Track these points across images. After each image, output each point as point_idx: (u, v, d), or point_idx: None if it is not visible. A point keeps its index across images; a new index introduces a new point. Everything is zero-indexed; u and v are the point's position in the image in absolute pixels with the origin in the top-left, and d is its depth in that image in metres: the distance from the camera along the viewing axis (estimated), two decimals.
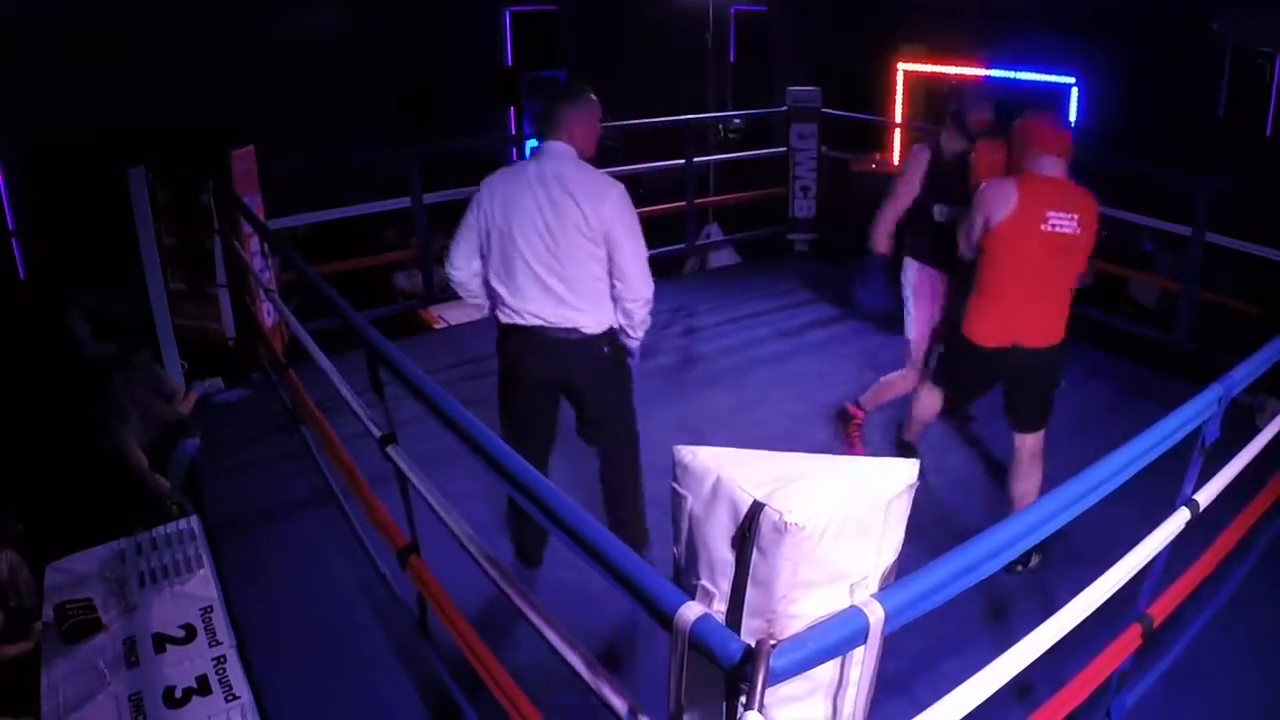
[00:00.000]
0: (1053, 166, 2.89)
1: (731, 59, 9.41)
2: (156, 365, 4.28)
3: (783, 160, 6.61)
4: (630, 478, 3.04)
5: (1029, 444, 3.13)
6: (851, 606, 1.20)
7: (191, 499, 3.68)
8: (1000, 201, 2.86)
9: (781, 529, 1.22)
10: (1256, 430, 2.31)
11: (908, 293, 3.82)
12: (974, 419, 4.19)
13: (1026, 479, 3.12)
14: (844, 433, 4.03)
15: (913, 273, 3.80)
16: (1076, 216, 2.85)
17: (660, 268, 6.15)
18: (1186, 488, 2.01)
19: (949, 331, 3.27)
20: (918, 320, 3.79)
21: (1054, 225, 2.83)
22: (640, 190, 6.25)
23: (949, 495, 3.60)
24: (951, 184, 3.50)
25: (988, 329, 3.02)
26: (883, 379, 3.90)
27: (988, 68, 7.63)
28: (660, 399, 4.32)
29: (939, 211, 3.61)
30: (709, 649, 1.14)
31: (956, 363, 3.21)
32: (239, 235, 4.35)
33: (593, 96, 2.83)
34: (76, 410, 3.94)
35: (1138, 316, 5.42)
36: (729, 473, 1.32)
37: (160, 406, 4.03)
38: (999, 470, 3.80)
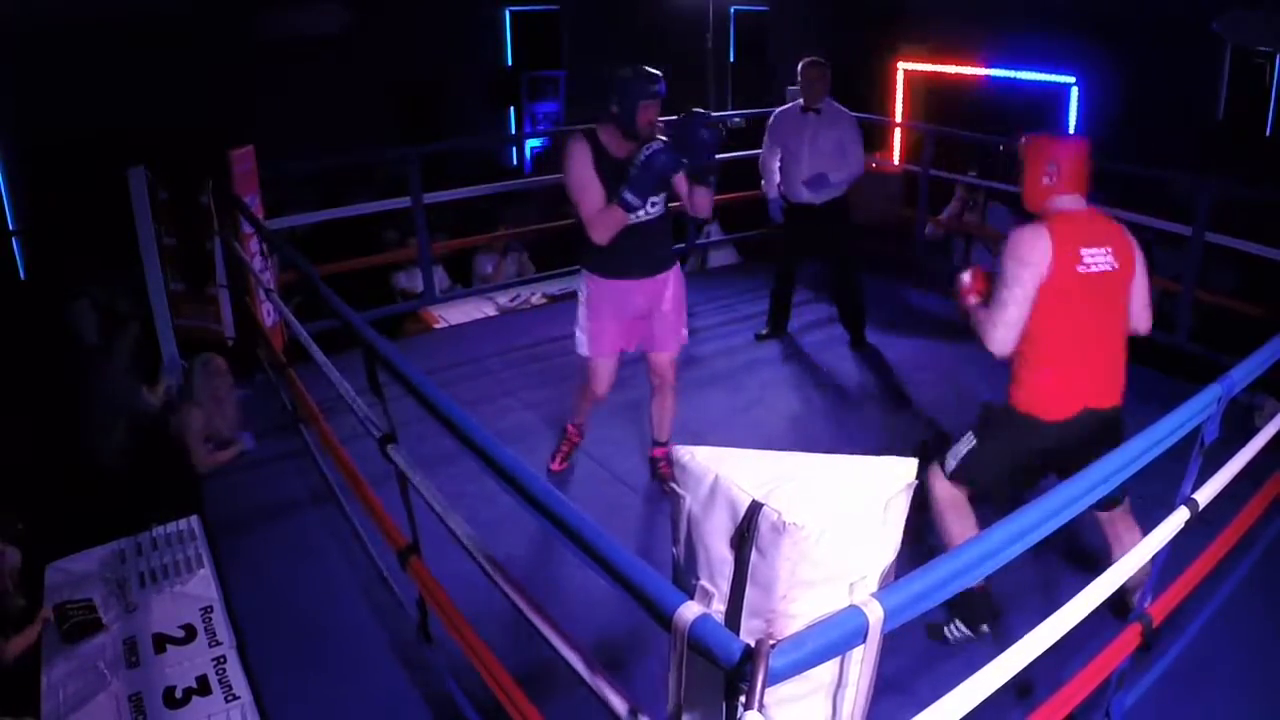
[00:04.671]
0: (1075, 203, 2.55)
1: (731, 59, 9.42)
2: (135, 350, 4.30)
3: None
4: (857, 275, 5.02)
5: (1118, 515, 2.73)
6: (851, 606, 1.19)
7: (192, 499, 3.67)
8: (1040, 252, 2.47)
9: (780, 529, 1.22)
10: (1255, 430, 2.31)
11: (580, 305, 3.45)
12: None
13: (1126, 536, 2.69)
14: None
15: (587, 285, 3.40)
16: (1110, 249, 2.51)
17: None
18: (1185, 487, 2.01)
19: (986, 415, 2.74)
20: (594, 337, 3.41)
21: (1089, 265, 2.48)
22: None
23: None
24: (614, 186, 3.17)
25: (1054, 398, 2.59)
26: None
27: (988, 68, 7.64)
28: None
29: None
30: (708, 649, 1.14)
31: (1006, 447, 2.68)
32: (239, 235, 4.35)
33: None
34: (76, 409, 3.94)
35: None
36: (727, 473, 1.32)
37: (133, 389, 4.05)
38: None
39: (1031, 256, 2.46)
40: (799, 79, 4.78)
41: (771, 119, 4.92)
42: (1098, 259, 2.49)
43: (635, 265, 3.34)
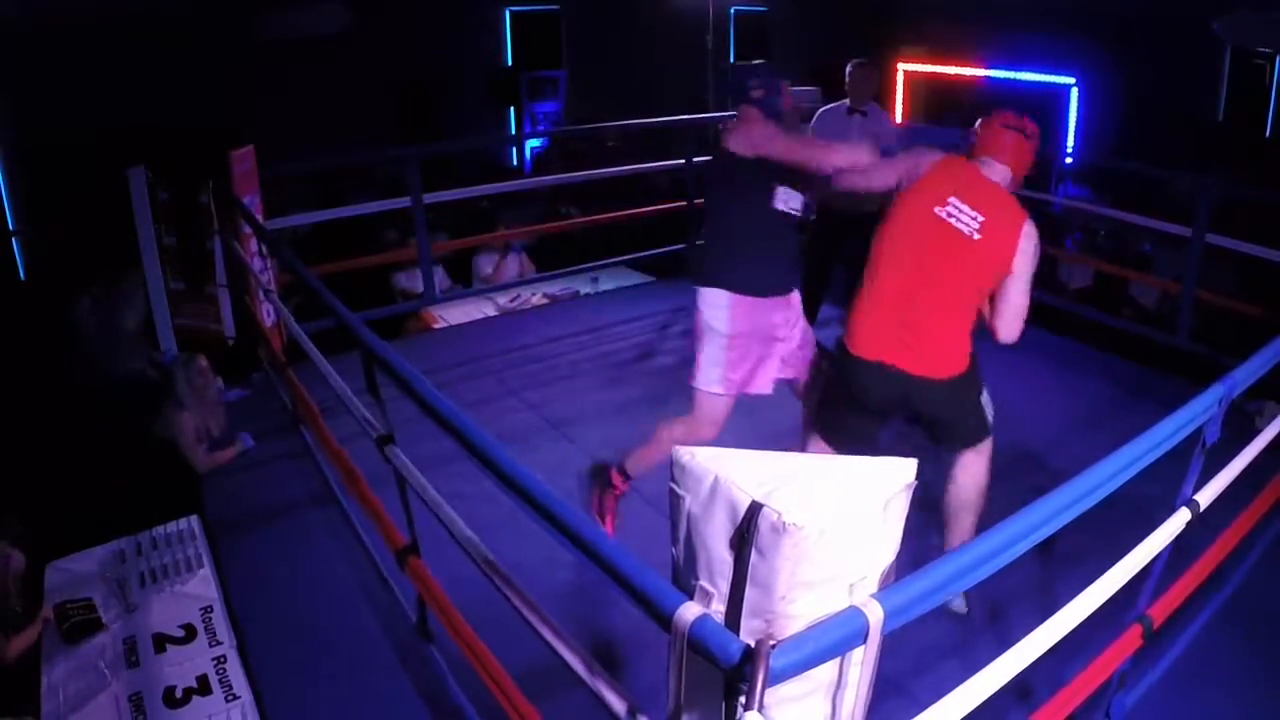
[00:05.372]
0: (989, 168, 2.60)
1: (731, 59, 9.43)
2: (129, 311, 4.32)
3: None
4: None
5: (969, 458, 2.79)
6: (850, 607, 1.20)
7: (192, 499, 3.67)
8: (914, 168, 2.58)
9: (780, 529, 1.22)
10: (1256, 432, 2.31)
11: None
12: None
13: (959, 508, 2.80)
14: (596, 501, 3.30)
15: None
16: (982, 219, 2.49)
17: (660, 268, 6.18)
18: (1187, 488, 2.01)
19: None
20: (730, 367, 3.07)
21: (950, 214, 2.50)
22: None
23: None
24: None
25: (862, 333, 2.63)
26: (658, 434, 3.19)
27: (988, 68, 7.64)
28: (660, 399, 4.31)
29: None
30: (708, 649, 1.14)
31: (833, 376, 2.80)
32: (239, 235, 4.35)
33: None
34: (76, 407, 3.94)
35: (1138, 317, 5.41)
36: (727, 473, 1.32)
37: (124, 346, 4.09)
38: (1000, 470, 3.79)
39: (920, 163, 2.59)
40: (847, 80, 4.82)
41: (815, 118, 4.94)
42: (961, 215, 2.50)
43: (781, 279, 3.04)
